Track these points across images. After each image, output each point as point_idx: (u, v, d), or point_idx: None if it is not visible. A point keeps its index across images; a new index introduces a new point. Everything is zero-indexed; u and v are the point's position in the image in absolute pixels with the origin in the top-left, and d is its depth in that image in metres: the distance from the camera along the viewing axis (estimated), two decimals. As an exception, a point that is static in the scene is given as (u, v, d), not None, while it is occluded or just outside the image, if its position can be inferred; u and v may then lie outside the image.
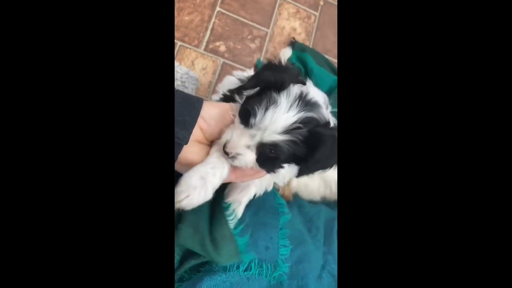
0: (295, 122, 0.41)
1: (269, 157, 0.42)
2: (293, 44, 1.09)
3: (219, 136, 0.46)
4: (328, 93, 0.95)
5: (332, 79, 0.93)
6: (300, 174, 0.47)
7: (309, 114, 0.42)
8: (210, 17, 1.05)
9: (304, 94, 0.43)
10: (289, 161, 0.44)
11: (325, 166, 0.45)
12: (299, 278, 0.54)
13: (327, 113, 0.46)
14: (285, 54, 1.00)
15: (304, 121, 0.41)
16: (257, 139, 0.42)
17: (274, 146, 0.41)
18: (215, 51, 1.02)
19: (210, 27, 1.04)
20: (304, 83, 0.46)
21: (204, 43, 1.02)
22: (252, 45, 1.07)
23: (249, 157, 0.42)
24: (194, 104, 0.44)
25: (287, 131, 0.41)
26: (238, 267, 0.52)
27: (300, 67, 0.97)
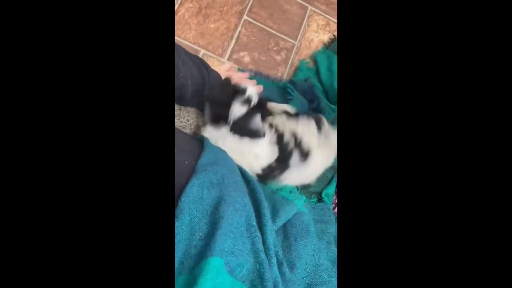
0: None
1: None
2: (330, 43, 1.07)
3: None
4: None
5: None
6: None
7: None
8: (236, 26, 1.01)
9: None
10: None
11: None
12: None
13: None
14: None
15: None
16: None
17: None
18: (238, 62, 0.98)
19: (235, 36, 1.00)
20: None
21: (228, 53, 0.98)
22: (278, 57, 1.03)
23: None
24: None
25: None
26: None
27: (319, 67, 1.00)
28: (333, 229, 0.68)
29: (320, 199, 0.78)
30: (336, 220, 0.76)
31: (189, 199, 0.44)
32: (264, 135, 0.68)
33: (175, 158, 0.50)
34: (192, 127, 0.89)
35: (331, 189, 0.81)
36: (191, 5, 0.98)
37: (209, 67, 0.67)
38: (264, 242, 0.49)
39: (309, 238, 0.58)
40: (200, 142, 0.63)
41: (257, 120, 0.67)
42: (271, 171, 0.67)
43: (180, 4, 0.97)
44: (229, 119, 0.65)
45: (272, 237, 0.50)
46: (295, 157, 0.68)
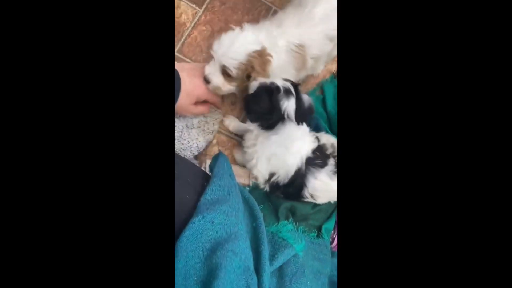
0: None
1: None
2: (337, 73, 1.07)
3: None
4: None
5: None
6: None
7: None
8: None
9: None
10: None
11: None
12: None
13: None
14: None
15: None
16: None
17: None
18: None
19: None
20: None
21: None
22: (285, 84, 1.03)
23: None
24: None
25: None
26: None
27: (326, 96, 1.02)
28: (328, 268, 0.67)
29: (319, 234, 0.77)
30: (333, 256, 0.76)
31: (187, 239, 0.44)
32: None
33: (176, 192, 0.50)
34: (193, 149, 0.89)
35: (331, 224, 0.81)
36: (204, 28, 1.00)
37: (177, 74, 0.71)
38: (259, 285, 0.49)
39: (303, 279, 0.58)
40: (204, 173, 0.63)
41: (305, 98, 0.72)
42: (312, 160, 0.67)
43: (194, 27, 0.99)
44: (290, 118, 0.66)
45: (267, 281, 0.50)
46: (331, 162, 0.69)
